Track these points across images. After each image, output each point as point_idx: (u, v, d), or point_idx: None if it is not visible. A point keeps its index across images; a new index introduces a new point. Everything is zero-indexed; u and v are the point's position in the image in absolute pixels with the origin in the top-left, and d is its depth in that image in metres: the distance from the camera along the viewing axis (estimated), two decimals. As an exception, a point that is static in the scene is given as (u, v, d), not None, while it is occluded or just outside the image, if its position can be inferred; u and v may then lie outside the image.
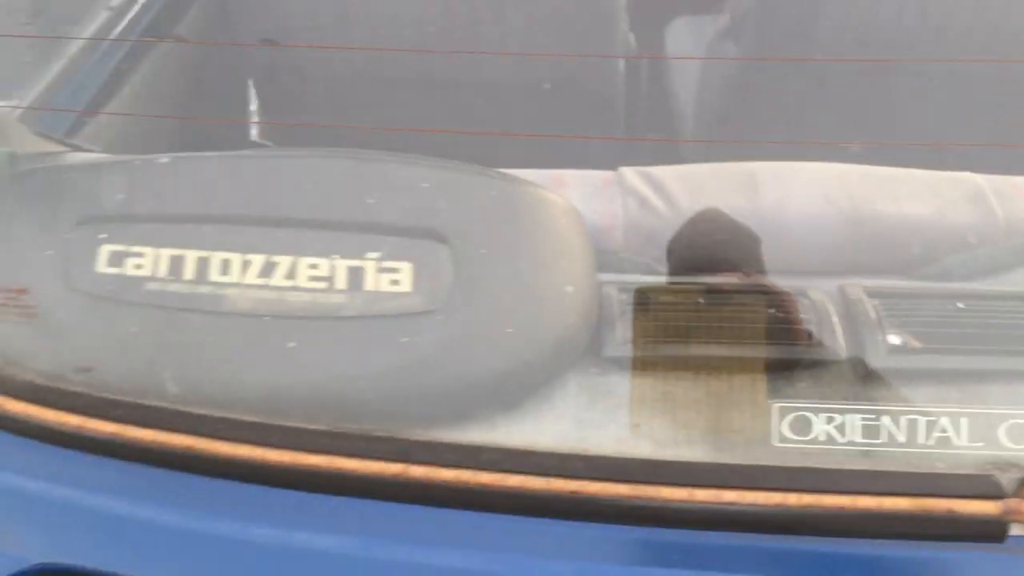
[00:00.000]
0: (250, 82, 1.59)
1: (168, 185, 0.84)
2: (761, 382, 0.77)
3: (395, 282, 0.78)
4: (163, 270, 0.81)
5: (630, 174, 0.96)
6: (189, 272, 0.80)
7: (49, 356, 0.80)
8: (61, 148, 1.03)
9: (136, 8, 1.34)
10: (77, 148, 1.04)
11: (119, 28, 1.30)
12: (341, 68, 1.55)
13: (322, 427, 0.74)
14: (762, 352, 0.79)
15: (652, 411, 0.77)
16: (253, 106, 1.61)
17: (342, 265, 0.79)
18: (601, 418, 0.78)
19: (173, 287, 0.80)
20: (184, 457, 0.74)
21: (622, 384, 0.79)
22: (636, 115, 1.73)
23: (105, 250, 0.83)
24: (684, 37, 1.92)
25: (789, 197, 0.90)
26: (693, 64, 1.73)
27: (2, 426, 0.79)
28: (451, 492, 0.70)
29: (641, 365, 0.80)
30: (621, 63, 1.62)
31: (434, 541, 0.71)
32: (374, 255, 0.79)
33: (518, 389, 0.79)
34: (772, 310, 0.80)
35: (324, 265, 0.79)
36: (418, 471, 0.70)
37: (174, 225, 0.82)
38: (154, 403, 0.76)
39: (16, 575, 0.76)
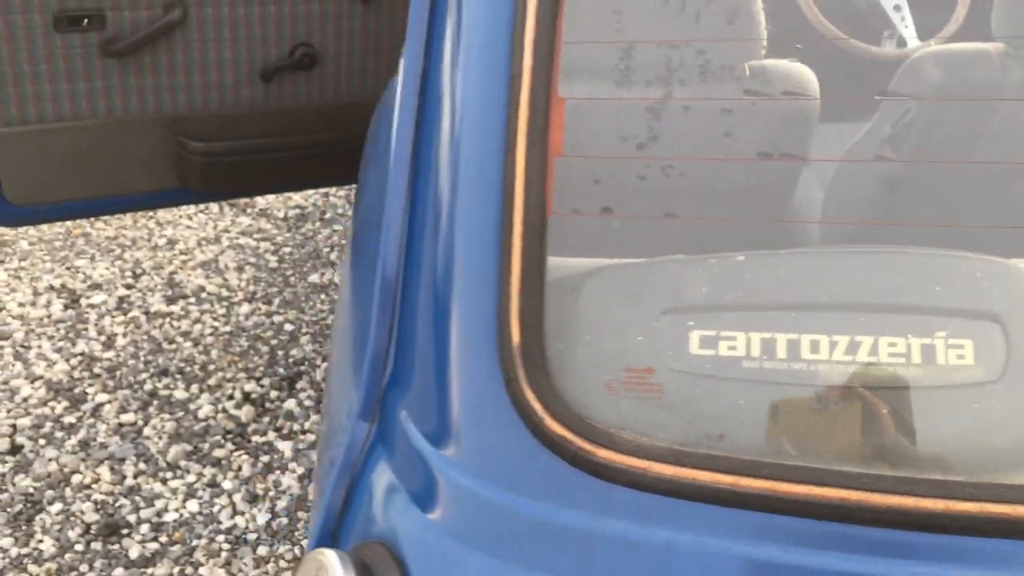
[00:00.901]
0: None
1: (745, 279, 1.00)
2: None
3: (960, 356, 0.95)
4: (756, 351, 0.96)
5: None
6: (781, 352, 0.96)
7: (676, 426, 0.94)
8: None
9: None
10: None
11: None
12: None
13: (961, 478, 0.89)
14: None
15: None
16: None
17: (916, 343, 0.96)
18: None
19: (769, 365, 0.96)
20: (846, 509, 0.88)
21: None
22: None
23: (695, 335, 0.98)
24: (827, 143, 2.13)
25: None
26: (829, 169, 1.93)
27: (647, 487, 0.91)
28: None
29: None
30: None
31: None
32: (942, 334, 0.96)
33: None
34: None
35: (901, 343, 0.95)
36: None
37: (756, 312, 0.98)
38: (800, 463, 0.90)
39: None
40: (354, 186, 4.21)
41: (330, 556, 0.98)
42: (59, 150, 2.84)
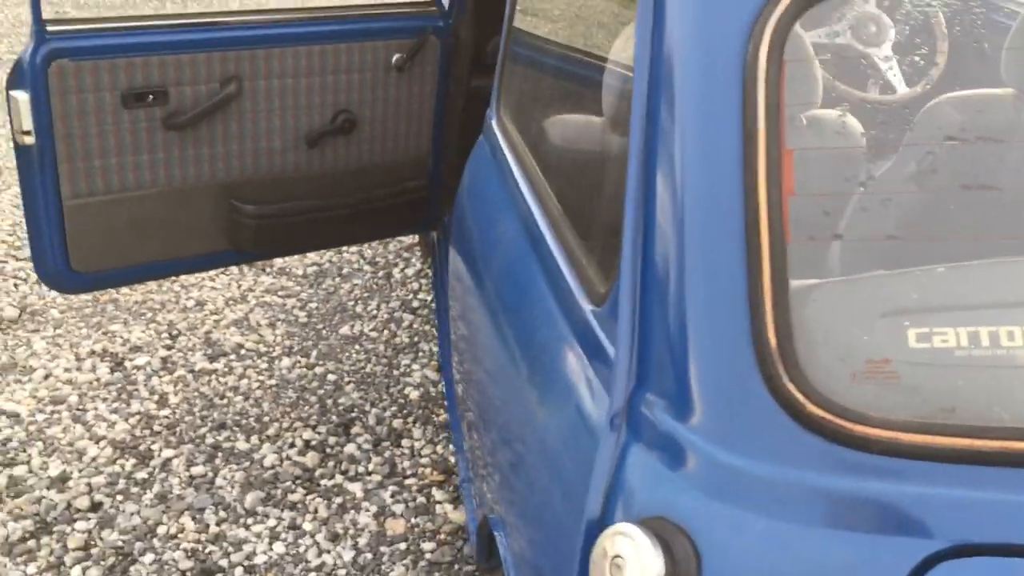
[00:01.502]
0: None
1: (947, 286, 1.25)
2: None
3: None
4: (964, 342, 1.21)
5: None
6: (985, 341, 1.21)
7: (912, 405, 1.18)
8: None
9: None
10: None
11: None
12: None
13: None
14: None
15: None
16: None
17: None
18: None
19: (976, 352, 1.20)
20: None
21: None
22: None
23: (912, 332, 1.22)
24: None
25: None
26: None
27: (898, 453, 1.15)
28: None
29: None
30: None
31: None
32: None
33: None
34: None
35: (1063, 332, 1.21)
36: None
37: (959, 312, 1.23)
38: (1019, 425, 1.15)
39: (933, 555, 1.12)
40: (384, 240, 4.40)
41: (632, 528, 1.19)
42: (122, 219, 3.00)
